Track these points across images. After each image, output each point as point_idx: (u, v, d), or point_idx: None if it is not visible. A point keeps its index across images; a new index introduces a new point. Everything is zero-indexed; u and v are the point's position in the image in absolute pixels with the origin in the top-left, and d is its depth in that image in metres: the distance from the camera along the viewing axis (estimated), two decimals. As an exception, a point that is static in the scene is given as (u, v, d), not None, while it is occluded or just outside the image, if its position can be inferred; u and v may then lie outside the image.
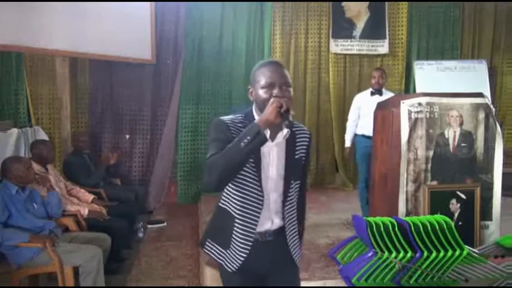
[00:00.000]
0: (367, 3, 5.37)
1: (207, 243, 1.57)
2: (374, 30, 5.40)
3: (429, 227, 2.31)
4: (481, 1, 5.57)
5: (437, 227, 2.32)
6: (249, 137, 1.25)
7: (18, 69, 4.40)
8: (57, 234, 2.75)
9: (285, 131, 1.38)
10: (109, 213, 3.43)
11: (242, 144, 1.25)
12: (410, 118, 2.67)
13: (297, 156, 1.49)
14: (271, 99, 1.31)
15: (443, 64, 5.32)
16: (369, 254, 2.12)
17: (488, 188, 2.75)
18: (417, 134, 2.67)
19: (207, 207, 4.45)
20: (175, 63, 5.03)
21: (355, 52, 5.41)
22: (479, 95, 2.77)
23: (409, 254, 2.20)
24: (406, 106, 2.68)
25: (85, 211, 3.25)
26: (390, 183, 2.81)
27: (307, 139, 1.54)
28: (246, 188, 1.42)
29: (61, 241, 2.71)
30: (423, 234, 2.28)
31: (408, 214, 2.67)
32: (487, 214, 2.77)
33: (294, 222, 1.55)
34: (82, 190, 3.61)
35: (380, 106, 3.11)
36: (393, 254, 2.18)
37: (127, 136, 5.02)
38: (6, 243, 2.51)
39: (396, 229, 2.26)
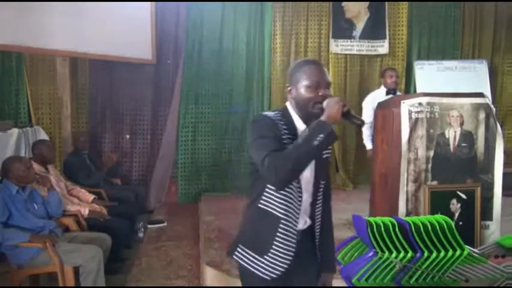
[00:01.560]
0: (367, 3, 5.37)
1: (238, 249, 1.48)
2: (374, 31, 5.40)
3: (429, 227, 2.31)
4: (481, 1, 5.57)
5: (438, 227, 2.32)
6: (322, 135, 1.26)
7: (19, 69, 4.40)
8: (57, 234, 2.75)
9: None
10: (109, 213, 3.44)
11: (315, 142, 1.26)
12: (410, 118, 2.66)
13: (324, 157, 1.50)
14: (336, 98, 1.34)
15: (443, 64, 5.32)
16: (370, 254, 2.12)
17: (488, 188, 2.75)
18: (417, 134, 2.67)
19: (207, 207, 4.46)
20: (175, 64, 5.04)
21: (355, 52, 5.41)
22: (480, 95, 2.77)
23: (409, 254, 2.20)
24: (406, 106, 2.68)
25: (85, 211, 3.25)
26: (390, 183, 2.81)
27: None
28: (289, 188, 1.41)
29: (61, 241, 2.71)
30: (424, 234, 2.28)
31: (408, 214, 2.67)
32: (487, 214, 2.77)
33: (319, 222, 1.55)
34: (82, 190, 3.61)
35: (381, 106, 3.11)
36: (394, 254, 2.18)
37: (127, 136, 5.02)
38: (7, 243, 2.50)
39: (397, 229, 2.26)
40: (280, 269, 1.42)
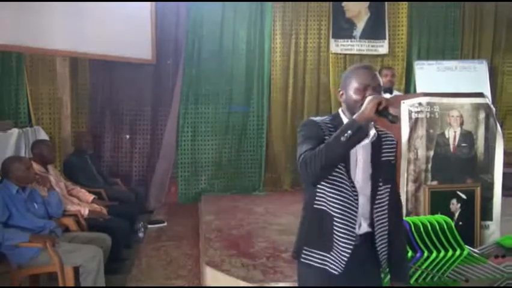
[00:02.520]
0: (367, 3, 5.37)
1: (304, 251, 1.50)
2: (374, 30, 5.40)
3: (429, 227, 2.31)
4: (481, 1, 5.57)
5: (438, 227, 2.32)
6: (350, 131, 1.27)
7: (19, 69, 4.40)
8: (57, 234, 2.75)
9: (372, 132, 1.40)
10: (109, 213, 3.44)
11: (343, 138, 1.27)
12: (410, 118, 2.67)
13: (383, 159, 1.49)
14: (370, 97, 1.34)
15: (443, 64, 5.32)
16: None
17: (488, 188, 2.75)
18: (417, 134, 2.67)
19: (207, 207, 4.46)
20: (175, 64, 5.04)
21: (355, 52, 5.40)
22: (480, 95, 2.77)
23: (409, 254, 2.20)
24: (406, 106, 2.68)
25: (85, 211, 3.25)
26: (390, 183, 2.80)
27: (393, 143, 1.54)
28: (341, 187, 1.43)
29: (61, 241, 2.70)
30: (424, 234, 2.28)
31: (408, 214, 2.67)
32: (487, 214, 2.77)
33: (384, 229, 1.51)
34: (82, 190, 3.61)
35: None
36: (394, 254, 2.18)
37: (127, 136, 5.02)
38: (7, 243, 2.50)
39: (397, 229, 2.26)
40: (342, 263, 1.43)
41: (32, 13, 3.73)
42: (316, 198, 1.47)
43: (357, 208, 1.44)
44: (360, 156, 1.46)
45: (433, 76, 5.21)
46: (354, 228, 1.44)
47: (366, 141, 1.39)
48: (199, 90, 5.12)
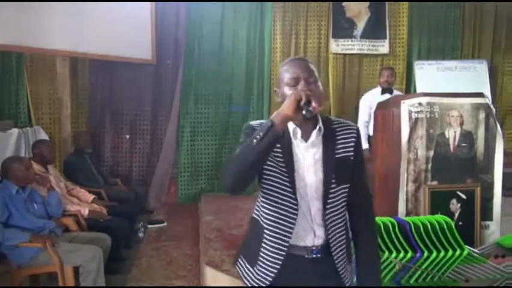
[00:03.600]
0: (367, 3, 5.37)
1: (239, 259, 1.43)
2: (374, 30, 5.40)
3: (429, 227, 2.31)
4: (481, 1, 5.57)
5: (438, 227, 2.32)
6: (261, 133, 1.13)
7: (19, 69, 4.40)
8: (57, 234, 2.75)
9: (317, 127, 1.26)
10: (109, 213, 3.44)
11: (254, 141, 1.13)
12: (410, 118, 2.67)
13: (338, 156, 1.30)
14: (290, 93, 1.20)
15: (443, 64, 5.32)
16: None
17: (488, 188, 2.75)
18: (417, 134, 2.67)
19: (207, 207, 4.46)
20: (175, 64, 5.03)
21: (356, 52, 5.40)
22: (480, 95, 2.77)
23: (409, 254, 2.20)
24: (406, 106, 2.68)
25: (85, 211, 3.25)
26: (390, 183, 2.81)
27: (353, 135, 1.33)
28: (278, 195, 1.28)
29: (61, 241, 2.71)
30: (424, 234, 2.28)
31: (408, 214, 2.67)
32: (487, 214, 2.77)
33: (341, 236, 1.33)
34: (82, 190, 3.61)
35: (381, 106, 3.11)
36: (394, 254, 2.18)
37: (127, 136, 5.02)
38: (7, 243, 2.50)
39: (397, 229, 2.27)
40: (265, 281, 1.31)
41: (32, 13, 3.73)
42: (255, 207, 1.38)
43: (295, 219, 1.28)
44: (310, 156, 1.29)
45: (433, 76, 5.21)
46: (287, 242, 1.29)
47: (313, 139, 1.26)
48: (199, 90, 5.12)
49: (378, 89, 4.06)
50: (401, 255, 2.17)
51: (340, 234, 1.33)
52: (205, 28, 5.07)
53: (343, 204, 1.33)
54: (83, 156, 4.14)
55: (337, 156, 1.30)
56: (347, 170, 1.31)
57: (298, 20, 5.33)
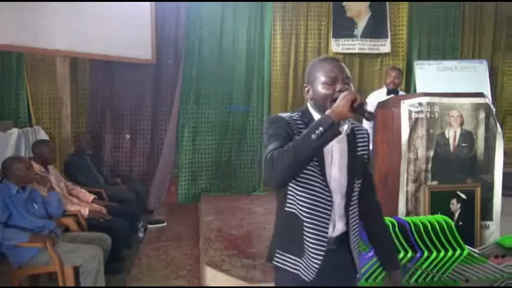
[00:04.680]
0: (368, 2, 5.37)
1: (277, 255, 1.42)
2: (375, 29, 5.39)
3: (429, 227, 2.31)
4: (481, 1, 5.57)
5: (438, 227, 2.32)
6: (321, 129, 1.16)
7: (19, 69, 4.40)
8: (57, 234, 2.75)
9: (346, 126, 1.28)
10: (109, 213, 3.43)
11: (313, 136, 1.16)
12: (410, 118, 2.67)
13: (358, 154, 1.41)
14: (345, 92, 1.23)
15: (443, 64, 5.32)
16: (370, 254, 2.12)
17: (488, 188, 2.75)
18: (417, 134, 2.67)
19: (207, 207, 4.46)
20: (175, 63, 5.04)
21: (356, 51, 5.40)
22: (480, 95, 2.77)
23: (409, 254, 2.20)
24: (406, 106, 2.68)
25: (85, 211, 3.25)
26: (390, 183, 2.81)
27: (367, 137, 1.46)
28: (313, 188, 1.33)
29: (61, 241, 2.71)
30: (424, 234, 2.28)
31: (408, 214, 2.67)
32: (487, 214, 2.77)
33: (357, 227, 1.44)
34: (82, 190, 3.61)
35: (381, 106, 3.11)
36: (394, 254, 2.17)
37: (128, 136, 5.02)
38: (7, 243, 2.50)
39: (397, 229, 2.26)
40: (314, 270, 1.36)
41: (32, 13, 3.73)
42: (288, 200, 1.39)
43: (330, 211, 1.35)
44: (336, 152, 1.36)
45: (433, 76, 5.22)
46: (326, 233, 1.35)
47: (341, 136, 1.28)
48: (199, 90, 5.11)
49: (384, 90, 4.05)
50: (401, 255, 2.17)
51: (356, 226, 1.44)
52: (205, 28, 5.06)
53: (357, 198, 1.43)
54: (83, 157, 4.14)
55: (357, 154, 1.41)
56: (363, 167, 1.44)
57: (299, 19, 5.33)
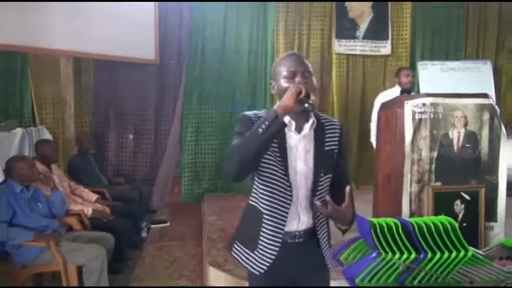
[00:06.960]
0: (370, 3, 5.36)
1: (235, 245, 1.50)
2: (377, 31, 5.39)
3: (433, 228, 2.29)
4: (484, 1, 5.55)
5: (441, 228, 2.30)
6: (266, 123, 1.23)
7: (23, 69, 4.42)
8: (61, 233, 2.76)
9: (311, 121, 1.35)
10: (112, 212, 3.44)
11: (260, 130, 1.23)
12: (414, 119, 2.65)
13: (327, 148, 1.43)
14: (290, 86, 1.29)
15: (447, 65, 5.30)
16: (373, 255, 2.10)
17: (492, 189, 2.74)
18: (421, 135, 2.66)
19: (210, 207, 4.46)
20: (179, 64, 5.04)
21: (358, 52, 5.40)
22: (484, 95, 2.76)
23: (413, 255, 2.18)
24: (410, 106, 2.67)
25: (88, 210, 3.26)
26: (393, 184, 2.80)
27: (337, 131, 1.47)
28: (274, 182, 1.38)
29: (65, 240, 2.71)
30: (427, 235, 2.26)
31: (412, 215, 2.66)
32: (491, 215, 2.75)
33: (324, 221, 1.46)
34: (85, 190, 3.62)
35: (384, 106, 3.10)
36: (397, 255, 2.17)
37: (131, 136, 5.03)
38: (11, 243, 2.51)
39: (400, 230, 2.25)
40: (264, 266, 1.40)
41: (35, 13, 3.74)
42: (252, 193, 1.47)
43: (289, 204, 1.38)
44: (302, 147, 1.39)
45: (437, 77, 5.19)
46: (283, 225, 1.39)
47: (306, 131, 1.36)
48: (202, 90, 5.13)
49: (397, 90, 4.05)
50: (405, 256, 2.15)
51: (324, 219, 1.46)
52: (208, 28, 5.07)
53: (327, 192, 1.44)
54: (87, 157, 4.15)
55: (325, 148, 1.43)
56: (332, 161, 1.45)
57: (301, 20, 5.33)
